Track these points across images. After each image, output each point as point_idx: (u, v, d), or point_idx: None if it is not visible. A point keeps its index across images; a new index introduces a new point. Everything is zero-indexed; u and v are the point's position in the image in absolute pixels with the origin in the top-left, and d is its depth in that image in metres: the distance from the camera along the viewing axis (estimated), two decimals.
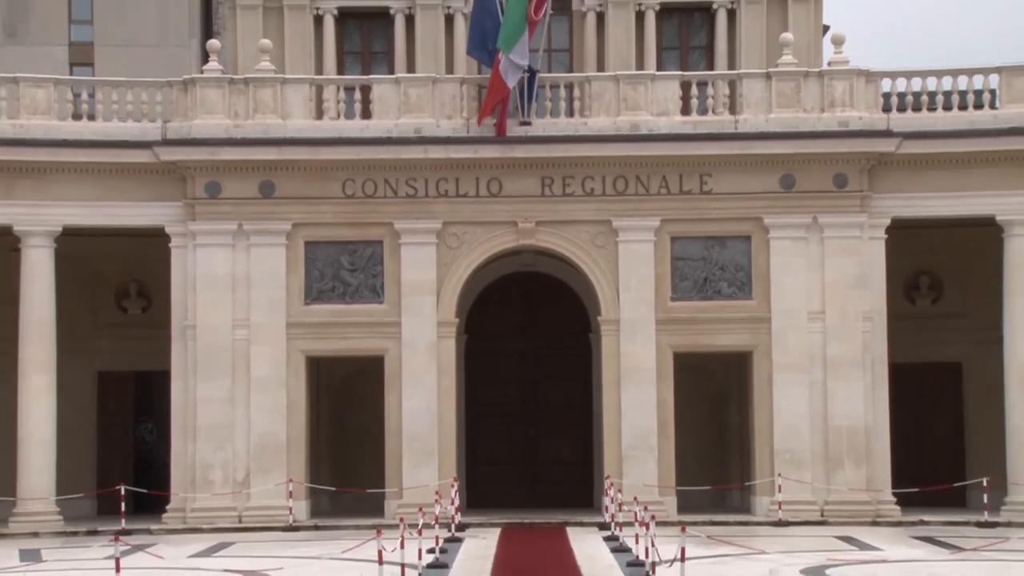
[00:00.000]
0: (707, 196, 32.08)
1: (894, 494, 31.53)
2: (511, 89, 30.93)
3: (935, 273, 35.01)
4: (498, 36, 30.42)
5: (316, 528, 30.71)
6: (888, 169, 31.94)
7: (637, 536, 21.64)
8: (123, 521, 30.06)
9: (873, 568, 22.97)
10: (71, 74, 43.59)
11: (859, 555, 25.02)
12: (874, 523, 30.54)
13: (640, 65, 35.19)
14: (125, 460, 34.95)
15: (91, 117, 32.74)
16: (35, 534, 30.35)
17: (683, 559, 16.23)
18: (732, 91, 32.54)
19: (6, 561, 25.93)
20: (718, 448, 34.43)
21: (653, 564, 18.71)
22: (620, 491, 28.81)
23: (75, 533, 30.58)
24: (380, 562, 16.34)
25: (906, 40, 78.84)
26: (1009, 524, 29.28)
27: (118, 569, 16.34)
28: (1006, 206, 31.56)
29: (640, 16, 36.00)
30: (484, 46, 31.64)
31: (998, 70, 32.71)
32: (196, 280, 31.84)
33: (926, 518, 30.89)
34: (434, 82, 32.87)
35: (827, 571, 22.05)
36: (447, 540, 25.52)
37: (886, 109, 32.70)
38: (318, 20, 36.14)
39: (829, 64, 32.97)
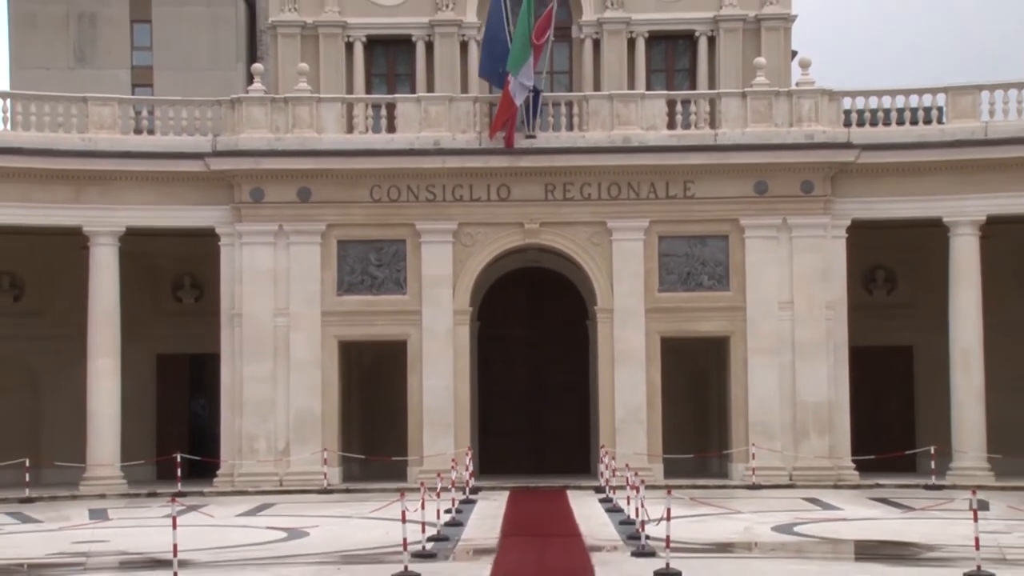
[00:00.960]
0: (690, 200, 32.09)
1: (853, 461, 31.63)
2: (518, 106, 30.98)
3: (889, 267, 35.08)
4: (507, 61, 30.58)
5: (347, 491, 30.79)
6: (848, 176, 31.97)
7: (628, 498, 21.69)
8: (179, 485, 30.31)
9: (835, 526, 23.02)
10: (133, 94, 43.48)
11: (822, 514, 25.10)
12: (836, 486, 30.62)
13: (631, 85, 35.23)
14: (181, 431, 34.92)
15: (150, 131, 32.92)
16: (102, 496, 30.49)
17: (669, 518, 16.24)
18: (712, 108, 32.61)
19: (78, 519, 26.16)
20: (699, 421, 34.41)
21: (642, 522, 18.73)
22: (614, 459, 28.97)
23: (137, 495, 30.72)
24: (403, 521, 16.37)
25: (867, 61, 78.70)
26: (954, 487, 29.30)
27: (174, 526, 16.35)
28: (951, 209, 31.61)
29: (631, 43, 36.08)
30: (495, 69, 31.81)
31: (944, 90, 32.77)
32: (242, 274, 31.93)
33: (881, 482, 30.95)
34: (450, 100, 32.95)
35: (795, 528, 22.16)
36: (462, 502, 25.67)
37: (847, 124, 32.77)
38: (349, 46, 36.21)
39: (797, 85, 33.09)
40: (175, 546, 16.06)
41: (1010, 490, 29.07)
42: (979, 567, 15.39)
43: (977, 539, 15.95)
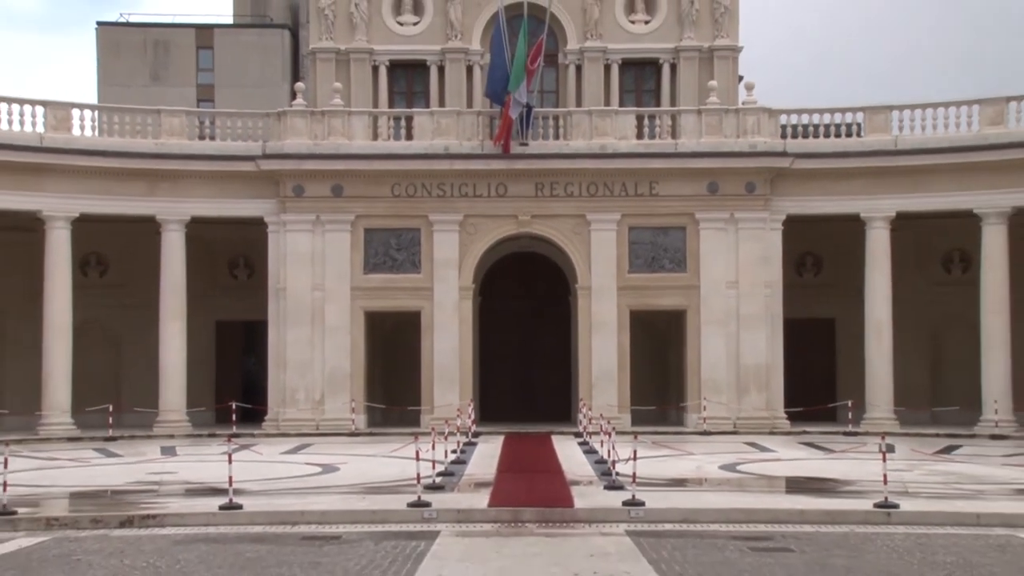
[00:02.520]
0: (654, 198, 32.04)
1: (785, 412, 31.69)
2: (514, 120, 30.98)
3: (817, 254, 35.15)
4: (508, 83, 30.59)
5: (371, 434, 30.76)
6: (784, 179, 31.94)
7: (602, 442, 21.69)
8: (233, 427, 30.29)
9: (770, 465, 23.11)
10: (197, 107, 43.45)
11: (760, 456, 25.18)
12: (771, 433, 30.66)
13: (607, 102, 35.15)
14: (235, 384, 34.92)
15: (211, 138, 33.00)
16: (171, 436, 30.60)
17: (635, 458, 16.26)
18: (673, 122, 32.56)
19: (151, 454, 26.31)
20: (660, 379, 34.39)
21: (613, 462, 18.74)
22: (590, 410, 29.09)
23: (199, 436, 30.79)
24: (417, 459, 16.36)
25: (801, 84, 78.63)
26: (866, 433, 29.37)
27: (230, 461, 16.35)
28: (867, 207, 31.68)
29: (607, 68, 35.99)
30: (496, 90, 31.77)
31: (863, 109, 32.89)
32: (286, 256, 31.88)
33: (808, 429, 30.99)
34: (458, 114, 32.88)
35: (737, 467, 22.21)
36: (465, 444, 25.71)
37: (783, 136, 32.72)
38: (375, 69, 36.09)
39: (743, 104, 33.06)
40: (230, 477, 16.08)
41: (911, 436, 29.12)
42: (886, 498, 15.46)
43: (885, 476, 16.01)
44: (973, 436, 29.92)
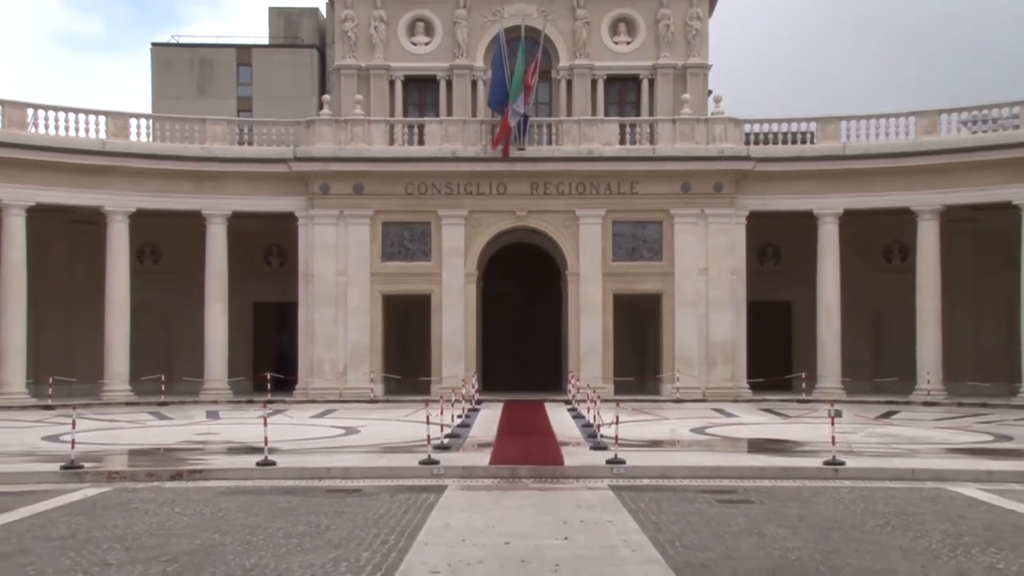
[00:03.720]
0: (635, 196, 31.95)
1: (748, 383, 31.73)
2: (512, 127, 30.90)
3: (776, 245, 35.07)
4: (508, 95, 30.50)
5: (388, 401, 30.77)
6: (748, 180, 31.85)
7: (588, 408, 21.70)
8: (268, 395, 30.29)
9: (734, 428, 23.12)
10: (237, 117, 43.34)
11: (725, 420, 25.19)
12: (735, 401, 30.71)
13: (593, 112, 34.98)
14: (270, 357, 34.94)
15: (249, 143, 32.99)
16: (215, 402, 30.62)
17: (617, 423, 16.27)
18: (651, 130, 32.44)
19: (198, 417, 26.32)
20: (639, 354, 34.39)
21: (598, 425, 18.77)
22: (578, 380, 29.12)
23: (239, 402, 30.78)
24: (428, 423, 16.36)
25: (763, 96, 78.49)
26: (818, 401, 29.39)
27: (265, 424, 16.34)
28: (819, 205, 31.68)
29: (594, 83, 35.81)
30: (498, 101, 31.67)
31: (816, 119, 32.79)
32: (314, 245, 31.80)
33: (767, 397, 31.01)
34: (464, 122, 32.76)
35: (706, 430, 22.23)
36: (469, 410, 25.69)
37: (747, 142, 32.69)
38: (391, 83, 35.91)
39: (711, 114, 32.83)
40: (266, 438, 16.05)
41: (856, 403, 29.16)
42: (834, 457, 15.46)
43: (833, 437, 16.02)
44: (909, 403, 29.98)
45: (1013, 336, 30.76)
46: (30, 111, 30.26)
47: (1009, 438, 20.69)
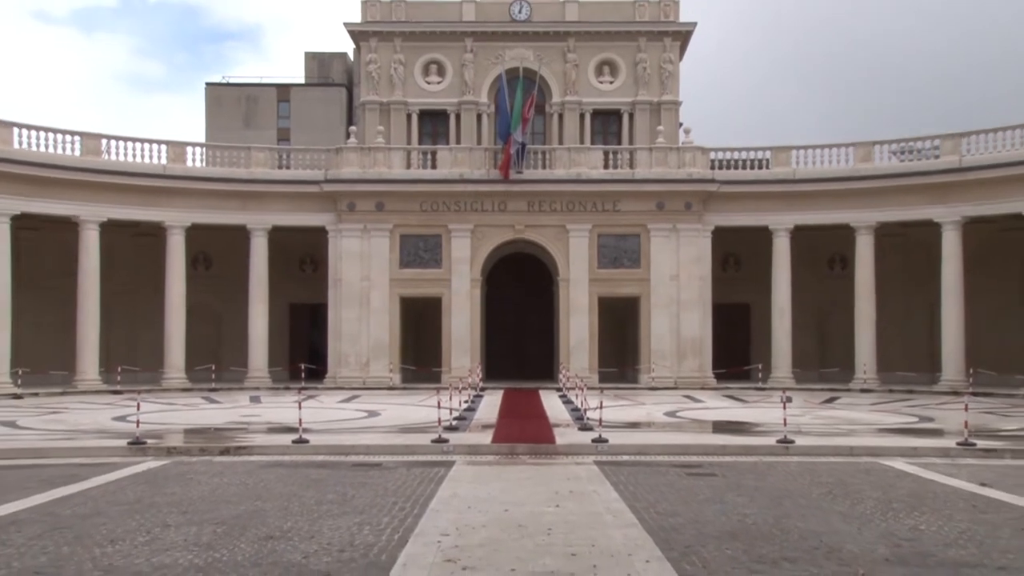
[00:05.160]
0: (617, 213, 31.92)
1: (714, 373, 31.67)
2: (512, 154, 30.90)
3: (737, 255, 34.95)
4: (510, 126, 30.58)
5: (404, 389, 30.70)
6: (713, 200, 31.85)
7: (576, 394, 21.74)
8: (302, 382, 30.14)
9: (701, 412, 23.02)
10: (277, 145, 43.39)
11: (694, 405, 25.11)
12: (702, 388, 30.69)
13: (581, 141, 35.17)
14: (303, 350, 34.84)
15: (287, 167, 32.83)
16: (257, 388, 30.59)
17: (601, 407, 16.27)
18: (631, 157, 32.42)
19: (242, 402, 26.20)
20: (620, 348, 34.32)
21: (585, 410, 18.76)
22: (568, 370, 29.07)
23: (277, 388, 30.70)
24: (439, 407, 16.37)
25: (727, 126, 78.59)
26: (772, 388, 29.38)
27: (300, 407, 16.34)
28: (774, 221, 31.68)
29: (582, 116, 35.99)
30: (505, 132, 31.70)
31: (770, 148, 32.78)
32: (341, 254, 31.76)
33: (729, 385, 30.98)
34: (470, 149, 32.75)
35: (677, 413, 22.17)
36: (474, 396, 25.64)
37: (712, 167, 32.66)
38: (408, 116, 36.03)
39: (682, 143, 32.85)
40: (300, 419, 16.07)
41: (804, 390, 29.15)
42: (785, 436, 15.47)
43: (785, 419, 16.06)
44: (849, 390, 29.98)
45: (934, 333, 30.85)
46: (103, 141, 30.31)
47: (931, 419, 20.69)
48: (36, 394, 27.47)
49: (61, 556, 7.78)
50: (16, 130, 28.63)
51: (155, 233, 31.47)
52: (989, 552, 7.93)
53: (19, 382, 27.77)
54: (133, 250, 32.87)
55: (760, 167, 32.71)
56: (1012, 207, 28.30)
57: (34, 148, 28.85)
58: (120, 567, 7.40)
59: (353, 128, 35.37)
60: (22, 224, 28.96)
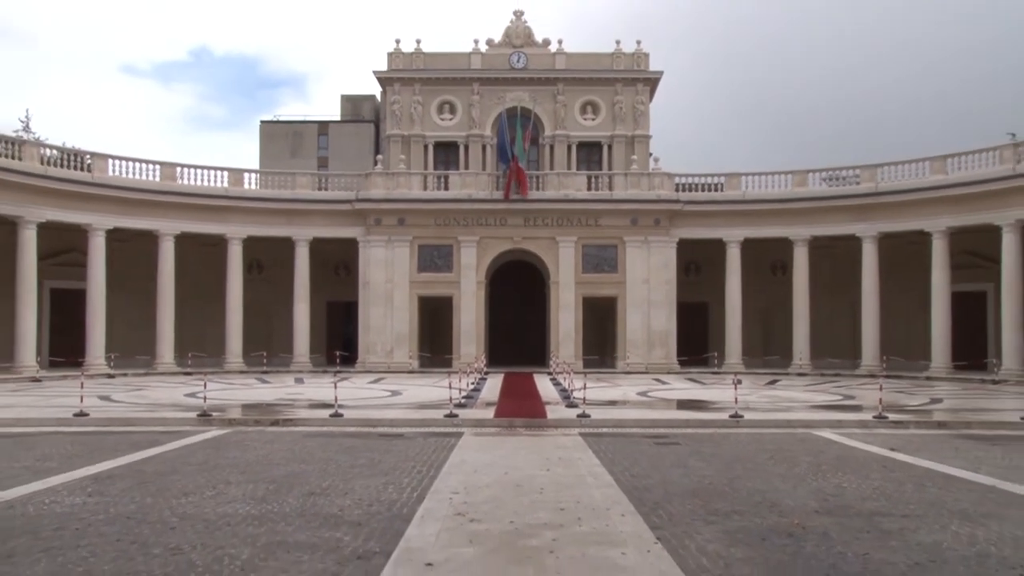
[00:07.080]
0: (598, 227, 31.89)
1: (677, 360, 31.62)
2: (517, 177, 30.92)
3: (697, 263, 34.82)
4: (512, 153, 30.56)
5: (422, 372, 30.65)
6: (678, 217, 31.84)
7: (564, 378, 21.71)
8: (337, 367, 30.20)
9: (668, 392, 22.93)
10: (317, 171, 43.41)
11: (661, 387, 25.04)
12: (669, 373, 30.65)
13: (569, 168, 35.07)
14: (338, 340, 34.75)
15: (325, 189, 32.68)
16: (300, 371, 30.58)
17: (585, 388, 16.28)
18: (609, 181, 32.40)
19: (289, 383, 26.09)
20: (601, 339, 34.29)
21: (571, 390, 18.77)
22: (558, 357, 29.03)
23: (316, 372, 30.65)
24: (450, 388, 16.42)
25: (688, 154, 78.71)
26: (725, 372, 29.42)
27: (335, 387, 16.35)
28: (728, 235, 31.74)
29: (569, 147, 35.91)
30: (505, 159, 31.71)
31: (724, 174, 32.80)
32: (369, 261, 31.71)
33: (691, 370, 30.98)
34: (476, 174, 32.72)
35: (648, 393, 22.11)
36: (480, 379, 25.50)
37: (677, 190, 32.61)
38: (425, 147, 35.97)
39: (652, 170, 32.93)
40: (336, 397, 16.08)
41: (752, 374, 29.21)
42: (736, 412, 15.45)
43: (736, 398, 16.05)
44: (787, 374, 30.00)
45: (856, 327, 30.96)
46: (178, 169, 30.51)
47: (853, 397, 20.67)
48: (125, 374, 27.88)
49: (145, 505, 7.84)
50: (110, 161, 29.20)
51: (218, 244, 31.50)
52: (896, 503, 8.01)
53: (112, 364, 28.37)
54: (200, 258, 32.86)
55: (716, 189, 32.72)
56: (917, 224, 28.68)
57: (123, 175, 29.23)
58: (192, 515, 7.43)
59: (380, 157, 35.42)
60: (114, 236, 29.24)
